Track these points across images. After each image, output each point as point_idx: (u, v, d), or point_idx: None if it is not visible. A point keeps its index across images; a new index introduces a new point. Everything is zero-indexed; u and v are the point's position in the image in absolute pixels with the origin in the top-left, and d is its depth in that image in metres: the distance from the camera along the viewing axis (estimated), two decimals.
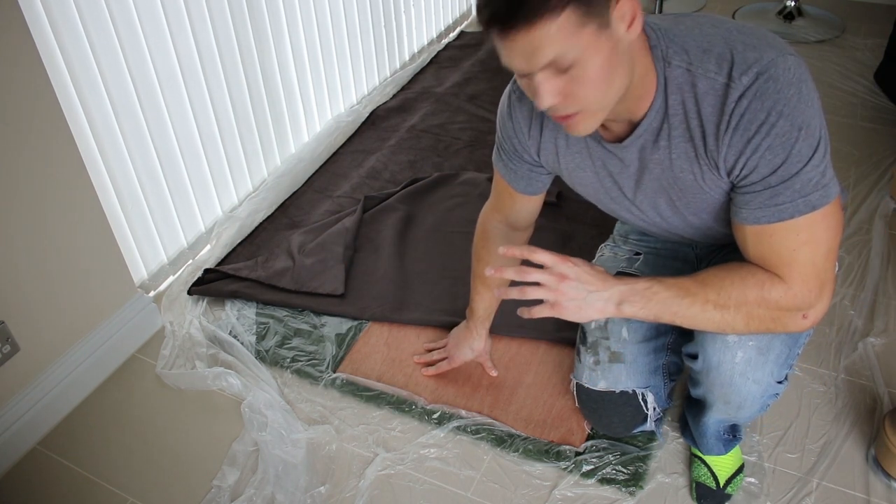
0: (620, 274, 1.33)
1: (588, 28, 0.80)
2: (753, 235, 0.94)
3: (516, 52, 0.81)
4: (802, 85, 0.86)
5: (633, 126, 0.97)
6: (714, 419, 1.21)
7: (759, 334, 1.02)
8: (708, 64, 0.88)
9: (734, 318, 0.95)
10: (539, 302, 0.99)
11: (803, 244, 0.91)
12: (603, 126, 1.00)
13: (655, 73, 0.91)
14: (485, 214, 1.33)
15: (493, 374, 1.53)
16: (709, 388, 1.12)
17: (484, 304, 1.42)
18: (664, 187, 1.02)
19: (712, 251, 1.27)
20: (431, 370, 1.54)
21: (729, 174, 0.93)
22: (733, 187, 0.95)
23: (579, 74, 0.83)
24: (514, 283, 1.00)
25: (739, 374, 1.06)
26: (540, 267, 0.98)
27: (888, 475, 1.29)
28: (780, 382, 1.09)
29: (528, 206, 1.25)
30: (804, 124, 0.85)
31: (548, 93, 0.84)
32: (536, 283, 0.97)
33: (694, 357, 1.12)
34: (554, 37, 0.79)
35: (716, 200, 1.00)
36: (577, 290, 0.96)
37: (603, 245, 1.43)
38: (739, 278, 0.95)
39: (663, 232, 1.18)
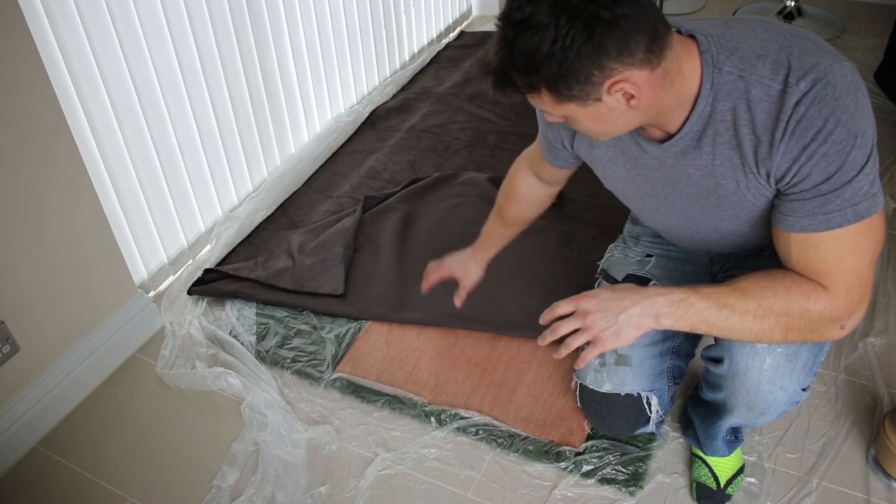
0: (631, 276, 1.32)
1: (569, 105, 0.86)
2: (798, 244, 0.92)
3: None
4: (859, 92, 0.85)
5: (668, 131, 0.96)
6: (730, 423, 1.19)
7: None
8: (762, 70, 0.87)
9: (773, 329, 0.93)
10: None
11: (849, 253, 0.89)
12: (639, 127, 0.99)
13: (701, 78, 0.90)
14: (520, 156, 1.36)
15: (458, 303, 1.50)
16: (732, 394, 1.10)
17: (490, 231, 1.43)
18: (702, 193, 1.01)
19: (727, 255, 1.27)
20: (425, 284, 1.52)
21: (779, 181, 0.91)
22: (779, 194, 0.93)
23: (574, 125, 0.89)
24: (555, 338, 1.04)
25: (767, 380, 1.04)
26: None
27: (888, 475, 1.29)
28: (804, 390, 1.07)
29: (556, 172, 1.28)
30: (860, 132, 0.85)
31: (551, 118, 0.91)
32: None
33: (717, 361, 1.10)
34: (537, 101, 0.87)
35: (756, 208, 0.98)
36: (605, 319, 0.97)
37: (613, 245, 1.42)
38: (784, 288, 0.92)
39: (685, 237, 1.17)
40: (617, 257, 1.38)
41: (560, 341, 1.02)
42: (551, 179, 1.32)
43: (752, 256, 1.18)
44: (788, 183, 0.90)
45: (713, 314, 0.94)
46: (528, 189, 1.35)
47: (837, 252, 0.90)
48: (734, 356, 1.06)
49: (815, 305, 0.92)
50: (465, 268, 1.47)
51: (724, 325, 0.95)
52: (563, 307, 1.01)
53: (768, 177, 0.91)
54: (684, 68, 0.88)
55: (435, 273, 1.50)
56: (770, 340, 0.96)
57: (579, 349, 1.03)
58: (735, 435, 1.28)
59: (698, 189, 1.01)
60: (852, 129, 0.84)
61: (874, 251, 0.91)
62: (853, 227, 0.88)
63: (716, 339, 1.12)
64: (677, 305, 0.95)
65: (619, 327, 0.97)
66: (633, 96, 0.84)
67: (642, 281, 1.31)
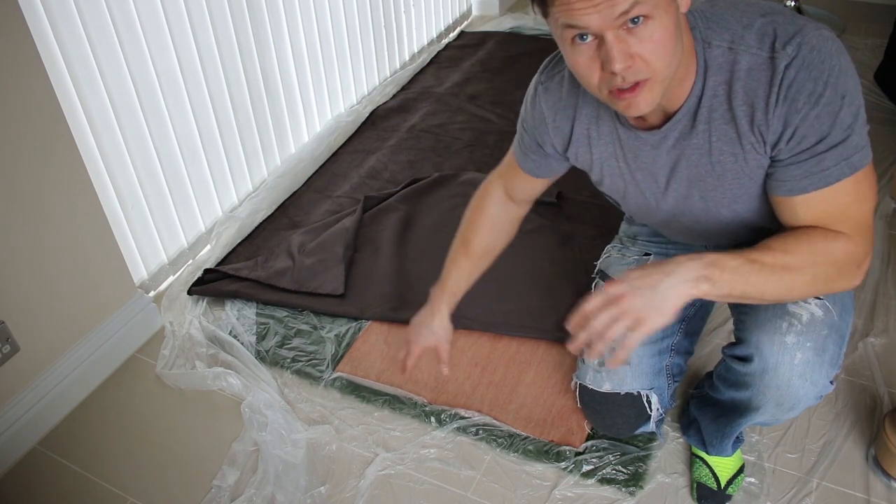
0: None
1: None
2: (802, 205, 0.94)
3: (594, 5, 0.79)
4: (841, 55, 0.88)
5: (667, 115, 0.98)
6: (753, 422, 1.17)
7: (814, 335, 1.02)
8: (750, 40, 0.90)
9: (801, 278, 0.93)
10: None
11: (853, 202, 0.93)
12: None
13: (695, 55, 0.92)
14: (487, 179, 1.32)
15: (445, 371, 1.34)
16: (761, 391, 1.09)
17: (456, 275, 1.30)
18: (700, 176, 1.01)
19: (725, 249, 1.26)
20: (399, 370, 1.38)
21: (774, 146, 0.93)
22: (773, 162, 0.95)
23: (649, 34, 0.82)
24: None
25: (798, 375, 1.04)
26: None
27: (888, 475, 1.29)
28: (831, 383, 1.07)
29: (529, 184, 1.25)
30: (846, 92, 0.88)
31: (620, 52, 0.82)
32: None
33: (744, 360, 1.09)
34: None
35: (754, 184, 0.99)
36: (642, 296, 0.90)
37: (609, 246, 1.42)
38: (804, 234, 0.94)
39: (684, 228, 1.17)
40: (614, 257, 1.37)
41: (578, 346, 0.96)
42: (520, 193, 1.27)
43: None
44: (783, 147, 0.92)
45: (746, 269, 0.91)
46: (497, 210, 1.29)
47: (841, 202, 0.93)
48: (763, 352, 1.05)
49: (837, 244, 0.93)
50: (434, 334, 1.32)
51: (758, 280, 0.91)
52: (591, 305, 0.92)
53: (765, 143, 0.93)
54: (684, 36, 0.89)
55: (410, 362, 1.33)
56: (800, 293, 0.95)
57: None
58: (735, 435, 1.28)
59: (697, 171, 1.01)
60: (839, 90, 0.87)
61: (872, 199, 0.94)
62: (850, 179, 0.91)
63: (741, 337, 1.10)
64: (712, 266, 0.91)
65: (661, 299, 0.90)
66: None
67: None
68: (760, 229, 1.07)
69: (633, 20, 0.81)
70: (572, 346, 0.94)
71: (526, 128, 1.17)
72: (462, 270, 1.30)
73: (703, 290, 0.91)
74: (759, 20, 0.90)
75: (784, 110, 0.89)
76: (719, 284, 0.91)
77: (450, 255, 1.32)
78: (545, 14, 0.85)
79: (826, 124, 0.88)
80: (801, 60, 0.87)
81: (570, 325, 0.94)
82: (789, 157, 0.92)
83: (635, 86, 0.86)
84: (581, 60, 0.86)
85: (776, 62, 0.88)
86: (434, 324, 1.31)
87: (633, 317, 0.90)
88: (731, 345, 1.13)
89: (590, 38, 0.83)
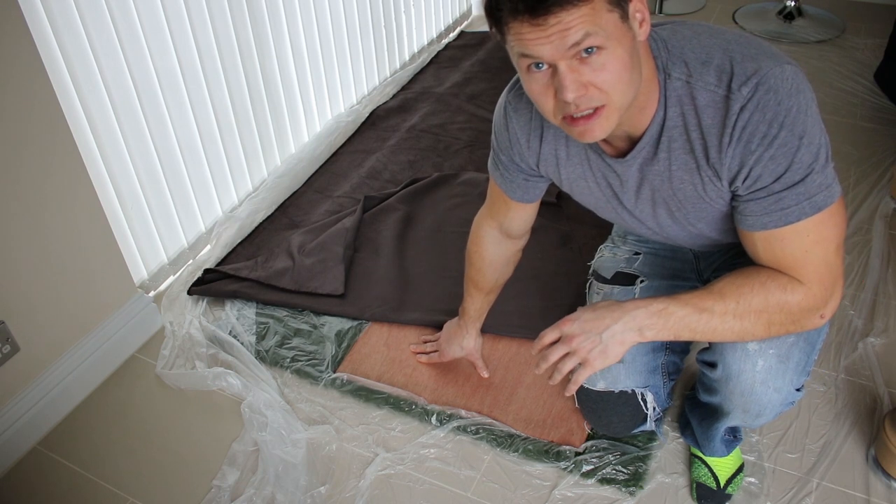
0: (620, 274, 1.33)
1: (614, 15, 0.81)
2: (763, 241, 0.94)
3: (546, 36, 0.80)
4: (801, 95, 0.87)
5: (633, 141, 0.98)
6: (728, 425, 1.20)
7: (778, 342, 1.03)
8: (707, 77, 0.89)
9: (754, 326, 0.95)
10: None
11: (814, 244, 0.91)
12: (604, 140, 1.00)
13: (658, 84, 0.92)
14: (479, 220, 1.34)
15: (485, 374, 1.53)
16: (727, 397, 1.11)
17: (475, 306, 1.44)
18: (664, 199, 1.02)
19: (710, 253, 1.27)
20: (424, 358, 1.57)
21: (731, 183, 0.93)
22: (735, 197, 0.95)
23: (602, 63, 0.83)
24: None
25: (760, 382, 1.05)
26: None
27: (888, 475, 1.29)
28: (798, 390, 1.08)
29: (523, 213, 1.25)
30: (804, 132, 0.87)
31: (572, 82, 0.83)
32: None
33: (712, 365, 1.11)
34: (586, 16, 0.79)
35: (717, 211, 1.00)
36: (589, 340, 0.98)
37: (602, 246, 1.43)
38: (759, 284, 0.94)
39: (663, 240, 1.19)
40: (606, 256, 1.39)
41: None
42: (517, 229, 1.29)
43: (738, 256, 1.19)
44: (740, 185, 0.92)
45: (693, 319, 0.95)
46: (496, 250, 1.33)
47: (802, 244, 0.92)
48: (727, 360, 1.07)
49: (793, 297, 0.93)
50: (465, 349, 1.51)
51: (707, 328, 0.95)
52: (549, 335, 1.02)
53: (721, 179, 0.93)
54: (643, 63, 0.89)
55: (436, 360, 1.56)
56: (754, 337, 0.97)
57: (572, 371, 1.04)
58: (734, 434, 1.28)
59: (660, 195, 1.02)
60: (796, 131, 0.86)
61: (838, 238, 0.93)
62: (813, 219, 0.90)
63: (709, 342, 1.12)
64: (658, 316, 0.96)
65: (605, 346, 0.98)
66: (642, 22, 0.85)
67: (630, 278, 1.32)
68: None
69: (587, 50, 0.81)
70: (539, 371, 1.02)
71: (502, 154, 1.16)
72: (479, 301, 1.44)
73: (648, 337, 0.97)
74: (718, 55, 0.89)
75: (739, 151, 0.89)
76: (664, 332, 0.97)
77: (465, 287, 1.44)
78: (503, 41, 0.86)
79: (782, 165, 0.88)
80: (756, 102, 0.86)
81: (534, 350, 1.03)
82: (747, 193, 0.92)
83: (592, 113, 0.87)
84: (536, 87, 0.87)
85: (731, 102, 0.87)
86: (464, 342, 1.51)
87: (581, 357, 0.99)
88: (703, 350, 1.16)
89: (545, 67, 0.84)
